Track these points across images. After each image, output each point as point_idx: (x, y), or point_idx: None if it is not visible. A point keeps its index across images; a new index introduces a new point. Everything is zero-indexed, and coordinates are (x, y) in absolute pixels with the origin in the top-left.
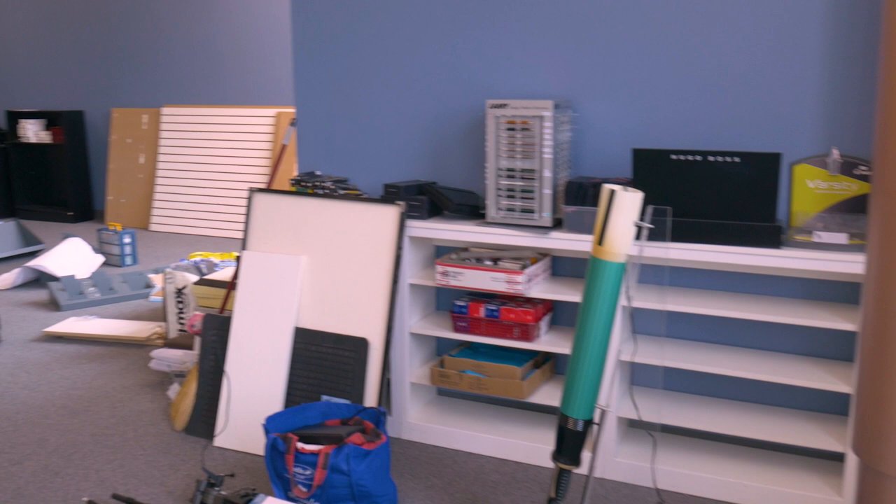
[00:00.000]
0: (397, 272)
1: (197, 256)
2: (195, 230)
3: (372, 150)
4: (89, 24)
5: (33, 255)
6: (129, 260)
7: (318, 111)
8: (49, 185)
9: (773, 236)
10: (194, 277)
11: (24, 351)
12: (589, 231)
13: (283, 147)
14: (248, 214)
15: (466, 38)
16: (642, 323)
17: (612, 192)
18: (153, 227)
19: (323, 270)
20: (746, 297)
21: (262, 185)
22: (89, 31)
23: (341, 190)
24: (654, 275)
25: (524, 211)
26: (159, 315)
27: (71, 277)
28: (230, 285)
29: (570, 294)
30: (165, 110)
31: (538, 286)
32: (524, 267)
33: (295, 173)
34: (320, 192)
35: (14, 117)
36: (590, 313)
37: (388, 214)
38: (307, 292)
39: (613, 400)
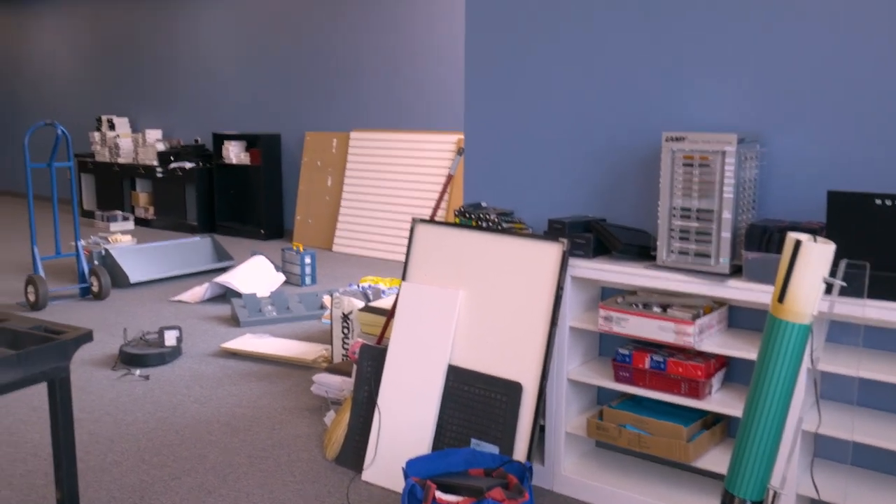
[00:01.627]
0: (557, 314)
1: (367, 281)
2: (375, 253)
3: (539, 181)
4: (287, 54)
5: (224, 270)
6: (308, 280)
7: (486, 140)
8: (245, 204)
9: None
10: (360, 303)
11: (201, 365)
12: (773, 281)
13: (449, 177)
14: (409, 244)
15: (642, 66)
16: (830, 389)
17: (798, 243)
18: (336, 248)
19: (480, 306)
20: None
21: (440, 215)
22: (287, 60)
23: (505, 223)
24: (846, 333)
25: (699, 255)
26: (328, 337)
27: (252, 295)
28: (389, 314)
29: (747, 350)
30: (353, 134)
31: (711, 339)
32: (696, 316)
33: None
34: (483, 224)
35: (219, 140)
36: (765, 380)
37: (551, 252)
38: (463, 328)
39: (791, 476)
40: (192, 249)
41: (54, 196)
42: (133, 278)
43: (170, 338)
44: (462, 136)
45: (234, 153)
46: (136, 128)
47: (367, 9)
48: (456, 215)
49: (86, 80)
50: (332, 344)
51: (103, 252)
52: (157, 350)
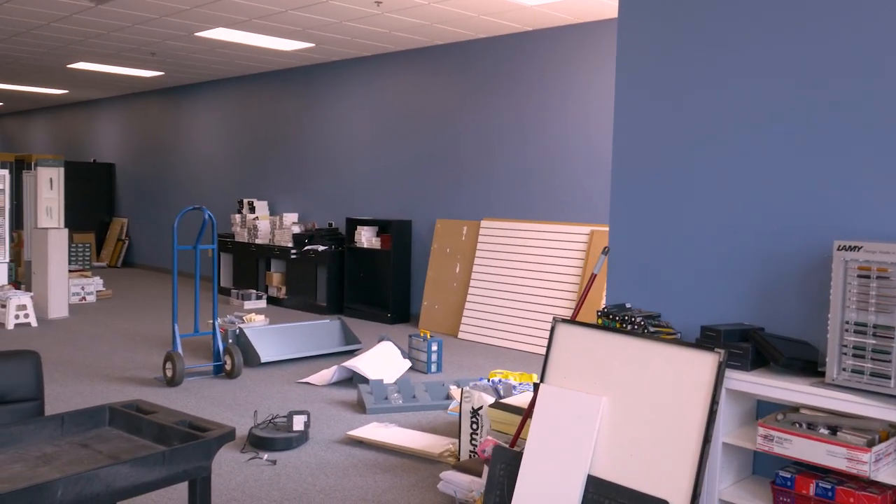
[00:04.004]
0: (710, 429)
1: (496, 376)
2: (501, 342)
3: (690, 284)
4: (421, 144)
5: (351, 353)
6: (433, 367)
7: (633, 238)
8: (374, 288)
9: None
10: (490, 399)
11: (328, 452)
12: None
13: (593, 276)
14: (549, 345)
15: (812, 166)
16: None
17: None
18: (461, 336)
19: (623, 415)
20: None
21: (569, 307)
22: (421, 149)
23: (652, 327)
24: None
25: (876, 374)
26: (454, 430)
27: (379, 381)
28: (525, 415)
29: None
30: (484, 223)
31: (889, 468)
32: (872, 443)
33: (603, 303)
34: (628, 327)
35: (352, 224)
36: None
37: (705, 362)
38: (605, 437)
39: None
40: (322, 331)
41: (196, 276)
42: (264, 358)
43: (298, 422)
44: (595, 228)
45: (366, 237)
46: (274, 211)
47: (499, 100)
48: (599, 316)
49: (232, 166)
50: (459, 438)
51: (238, 331)
52: (285, 434)
